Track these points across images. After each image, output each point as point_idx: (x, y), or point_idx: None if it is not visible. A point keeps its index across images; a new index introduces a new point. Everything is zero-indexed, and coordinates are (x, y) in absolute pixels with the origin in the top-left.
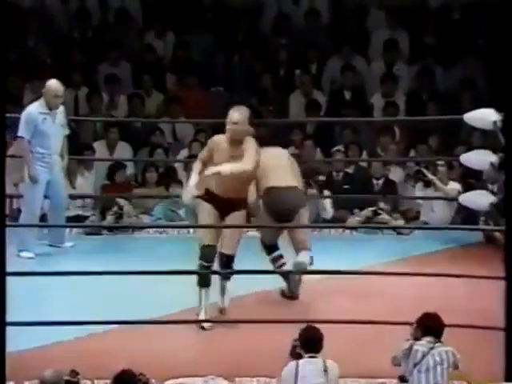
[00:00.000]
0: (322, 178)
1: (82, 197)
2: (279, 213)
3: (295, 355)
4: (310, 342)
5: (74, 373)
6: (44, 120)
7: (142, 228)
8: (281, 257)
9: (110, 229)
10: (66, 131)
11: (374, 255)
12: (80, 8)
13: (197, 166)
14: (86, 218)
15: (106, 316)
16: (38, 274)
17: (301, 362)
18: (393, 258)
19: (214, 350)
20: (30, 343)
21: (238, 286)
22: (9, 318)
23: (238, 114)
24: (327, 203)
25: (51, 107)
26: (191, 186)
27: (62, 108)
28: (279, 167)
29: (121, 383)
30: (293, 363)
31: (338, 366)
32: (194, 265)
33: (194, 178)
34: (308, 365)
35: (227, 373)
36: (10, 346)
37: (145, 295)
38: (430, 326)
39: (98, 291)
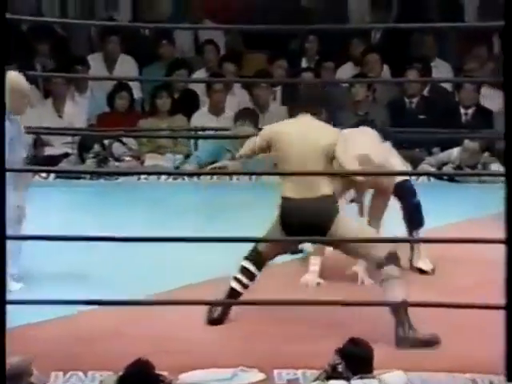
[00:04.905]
0: None
1: (63, 133)
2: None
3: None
4: (358, 361)
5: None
6: None
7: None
8: None
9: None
10: None
11: (460, 210)
12: None
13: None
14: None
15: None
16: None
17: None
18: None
19: (245, 335)
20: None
21: None
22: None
23: None
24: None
25: None
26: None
27: None
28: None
29: (136, 380)
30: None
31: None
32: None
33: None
34: None
35: (262, 363)
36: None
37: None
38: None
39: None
